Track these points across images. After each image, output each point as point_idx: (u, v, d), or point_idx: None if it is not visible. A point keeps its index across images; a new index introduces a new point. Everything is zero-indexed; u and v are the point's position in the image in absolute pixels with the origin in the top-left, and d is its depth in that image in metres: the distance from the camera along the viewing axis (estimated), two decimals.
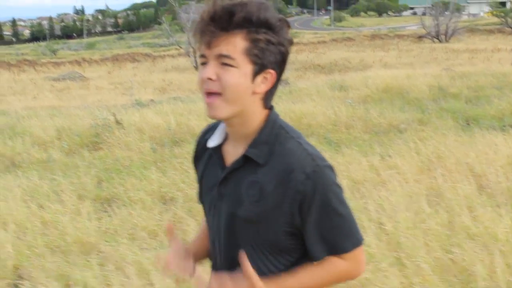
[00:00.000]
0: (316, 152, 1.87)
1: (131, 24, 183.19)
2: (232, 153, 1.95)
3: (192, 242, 2.27)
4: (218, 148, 1.99)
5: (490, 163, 7.36)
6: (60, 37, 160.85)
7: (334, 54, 40.57)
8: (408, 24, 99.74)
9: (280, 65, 1.87)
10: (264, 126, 1.89)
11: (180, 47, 44.97)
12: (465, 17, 75.37)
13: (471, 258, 4.66)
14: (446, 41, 49.24)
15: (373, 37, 61.68)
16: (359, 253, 1.94)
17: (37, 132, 11.19)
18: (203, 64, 1.82)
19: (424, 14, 70.27)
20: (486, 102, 12.64)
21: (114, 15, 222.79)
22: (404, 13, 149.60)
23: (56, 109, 15.97)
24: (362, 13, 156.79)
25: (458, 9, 60.69)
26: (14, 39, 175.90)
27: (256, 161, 1.87)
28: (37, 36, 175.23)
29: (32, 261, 5.29)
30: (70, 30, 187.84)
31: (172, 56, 49.46)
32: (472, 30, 59.03)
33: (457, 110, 11.92)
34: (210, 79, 1.78)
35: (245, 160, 1.89)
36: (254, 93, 1.83)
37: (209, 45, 1.78)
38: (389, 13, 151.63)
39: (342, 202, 1.88)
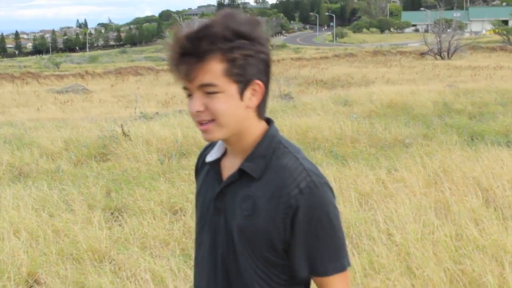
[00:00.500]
0: (313, 168, 1.83)
1: (134, 38, 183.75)
2: (230, 168, 1.91)
3: None
4: (217, 163, 1.97)
5: (496, 177, 7.42)
6: (62, 50, 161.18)
7: (336, 70, 40.75)
8: (410, 41, 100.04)
9: (265, 72, 1.81)
10: (262, 140, 1.86)
11: None
12: (467, 35, 75.65)
13: (481, 269, 4.71)
14: (449, 58, 49.54)
15: (375, 53, 61.92)
16: (341, 279, 1.84)
17: (44, 143, 11.27)
18: (189, 95, 1.79)
19: (426, 31, 70.55)
20: (490, 118, 12.76)
21: (117, 29, 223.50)
22: (406, 30, 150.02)
23: (61, 121, 16.05)
24: (364, 30, 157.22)
25: (460, 27, 60.99)
26: (16, 52, 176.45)
27: (252, 175, 1.83)
28: (40, 49, 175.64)
29: (45, 268, 5.35)
30: (72, 43, 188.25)
31: None
32: (474, 47, 59.24)
33: (461, 125, 12.01)
34: (198, 111, 1.76)
35: (241, 174, 1.86)
36: (247, 108, 1.80)
37: (188, 79, 1.74)
38: (391, 30, 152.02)
39: (334, 224, 1.81)
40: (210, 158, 1.98)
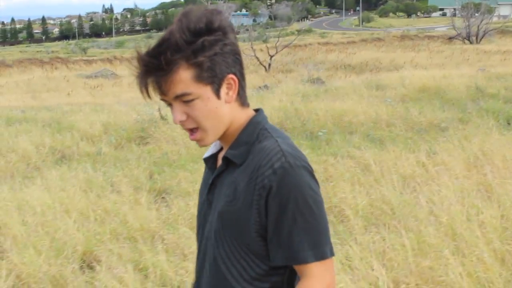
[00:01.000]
0: (292, 151, 1.77)
1: (159, 23, 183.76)
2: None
3: None
4: (213, 157, 1.97)
5: None
6: (89, 36, 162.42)
7: (364, 55, 40.56)
8: (438, 25, 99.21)
9: (235, 63, 1.78)
10: (246, 127, 1.84)
11: None
12: (495, 19, 74.68)
13: None
14: (477, 42, 48.97)
15: (403, 37, 61.44)
16: (323, 268, 1.74)
17: (83, 126, 11.48)
18: (169, 105, 1.78)
19: (454, 15, 69.78)
20: None
21: (143, 14, 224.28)
22: (433, 14, 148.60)
23: (97, 105, 16.26)
24: (391, 14, 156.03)
25: (489, 11, 60.24)
26: (43, 37, 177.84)
27: (235, 162, 1.82)
28: (66, 34, 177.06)
29: (101, 247, 5.51)
30: (99, 28, 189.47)
31: None
32: (503, 31, 58.53)
33: (497, 110, 11.95)
34: (182, 121, 1.76)
35: (227, 163, 1.84)
36: (227, 103, 1.78)
37: (161, 93, 1.73)
38: (418, 14, 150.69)
39: (313, 208, 1.73)
40: (206, 154, 2.00)
